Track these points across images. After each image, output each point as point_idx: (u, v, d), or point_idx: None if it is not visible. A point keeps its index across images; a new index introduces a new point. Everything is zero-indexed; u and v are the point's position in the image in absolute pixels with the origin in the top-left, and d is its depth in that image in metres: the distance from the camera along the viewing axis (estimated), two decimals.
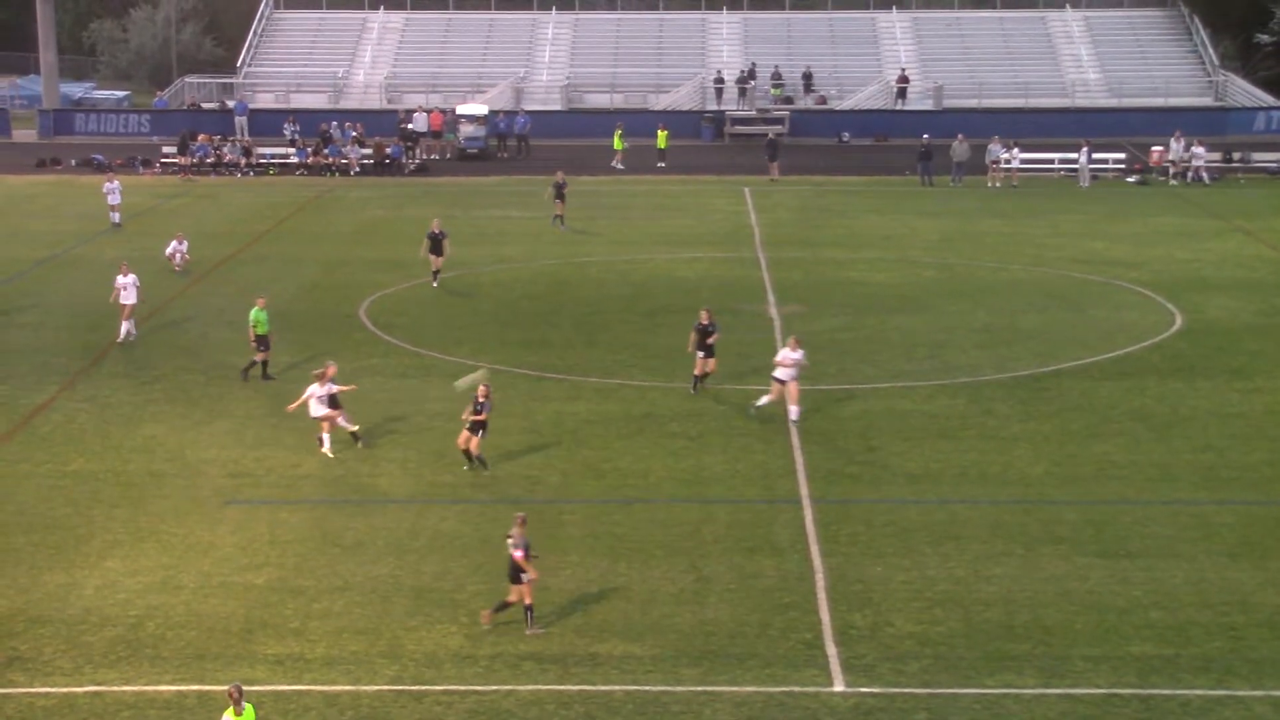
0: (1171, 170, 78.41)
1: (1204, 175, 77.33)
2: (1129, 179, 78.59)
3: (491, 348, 44.60)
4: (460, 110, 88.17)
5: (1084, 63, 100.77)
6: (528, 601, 26.49)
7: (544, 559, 28.12)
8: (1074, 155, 78.72)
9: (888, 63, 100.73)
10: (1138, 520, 31.58)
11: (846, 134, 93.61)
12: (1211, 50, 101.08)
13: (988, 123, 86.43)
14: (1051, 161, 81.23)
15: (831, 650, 25.95)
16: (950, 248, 60.39)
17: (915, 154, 77.94)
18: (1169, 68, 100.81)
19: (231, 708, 21.50)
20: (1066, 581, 28.56)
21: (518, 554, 26.34)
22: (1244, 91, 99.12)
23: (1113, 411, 38.54)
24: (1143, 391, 40.31)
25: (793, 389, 37.60)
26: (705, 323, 39.70)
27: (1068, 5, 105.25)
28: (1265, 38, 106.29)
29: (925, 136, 79.61)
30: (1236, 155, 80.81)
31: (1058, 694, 24.51)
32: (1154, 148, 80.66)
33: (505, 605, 26.65)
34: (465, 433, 34.24)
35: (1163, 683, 24.80)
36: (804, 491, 33.25)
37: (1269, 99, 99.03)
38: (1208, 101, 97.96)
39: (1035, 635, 26.47)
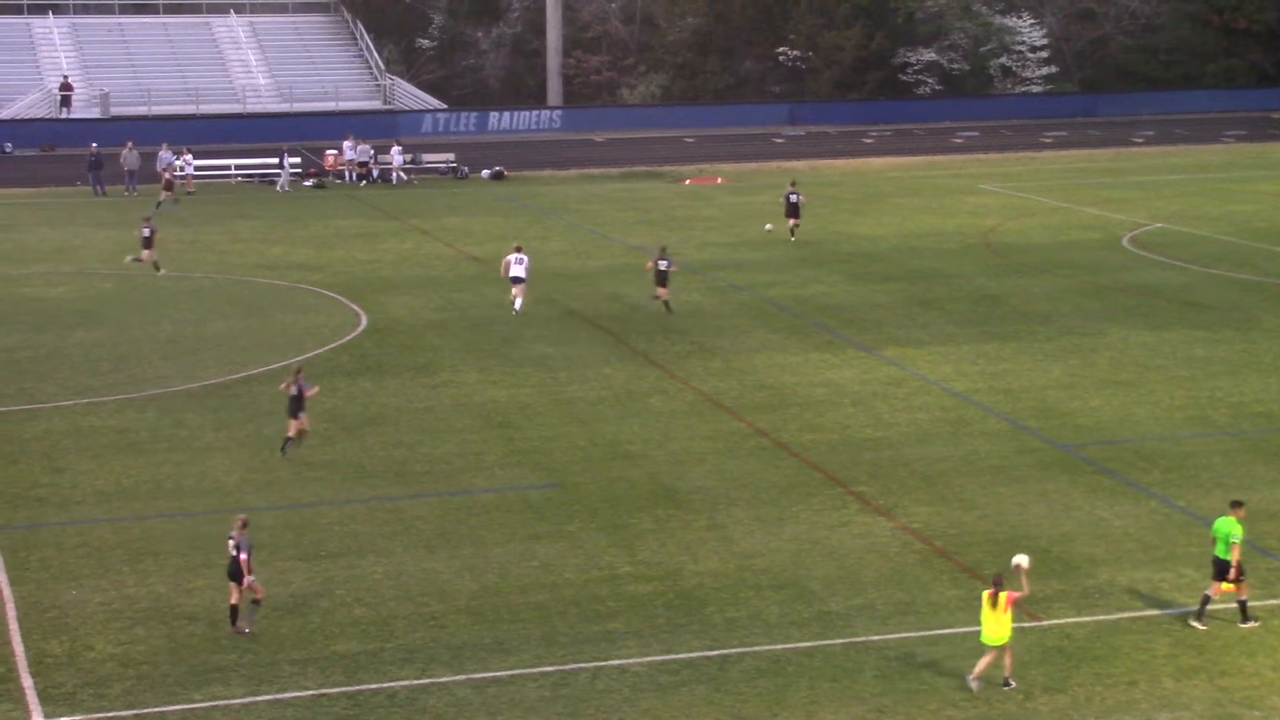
0: (349, 173, 79.78)
1: (402, 176, 78.88)
2: (306, 183, 79.31)
3: None
4: None
5: (253, 68, 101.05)
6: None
7: None
8: (250, 161, 78.77)
9: (48, 70, 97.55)
10: (336, 520, 31.80)
11: (9, 144, 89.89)
12: (377, 55, 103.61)
13: (159, 130, 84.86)
14: (228, 168, 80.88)
15: (27, 681, 24.82)
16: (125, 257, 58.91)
17: (85, 163, 75.75)
18: (337, 72, 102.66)
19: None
20: (268, 587, 28.32)
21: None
22: (410, 95, 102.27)
23: (306, 413, 38.58)
24: (334, 392, 40.61)
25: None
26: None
27: (232, 11, 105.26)
28: (426, 42, 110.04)
29: (94, 145, 77.25)
30: (409, 157, 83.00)
31: (267, 700, 24.31)
32: (328, 151, 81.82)
33: None
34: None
35: (370, 678, 25.03)
36: None
37: (434, 101, 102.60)
38: (377, 105, 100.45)
39: (241, 645, 26.16)
